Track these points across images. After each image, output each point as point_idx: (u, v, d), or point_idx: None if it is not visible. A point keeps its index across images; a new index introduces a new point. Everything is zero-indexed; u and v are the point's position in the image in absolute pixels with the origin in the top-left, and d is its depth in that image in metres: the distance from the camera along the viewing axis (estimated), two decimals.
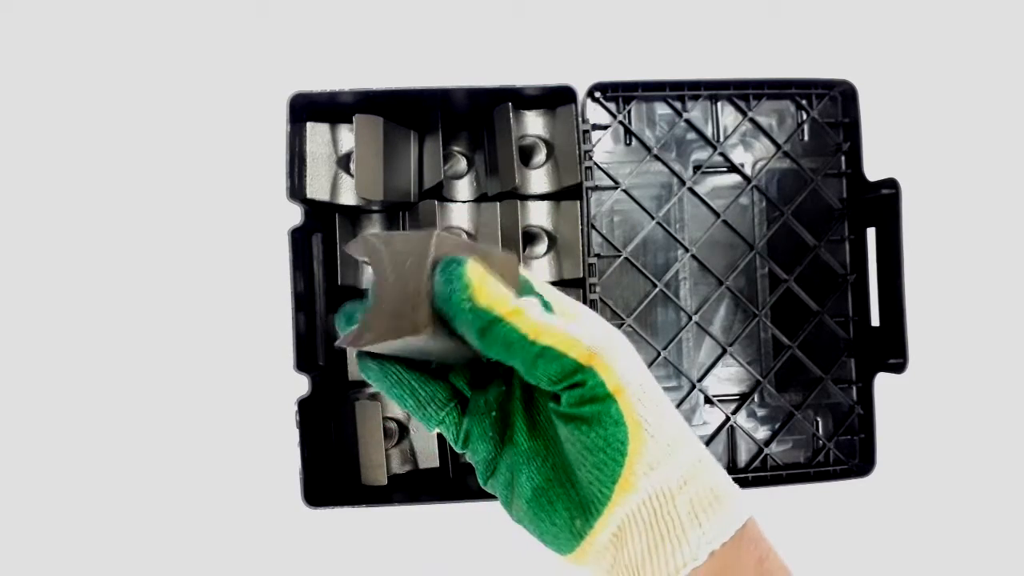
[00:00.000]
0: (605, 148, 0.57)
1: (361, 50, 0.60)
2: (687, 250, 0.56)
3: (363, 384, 0.57)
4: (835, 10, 0.62)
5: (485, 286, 0.27)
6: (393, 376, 0.31)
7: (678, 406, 0.56)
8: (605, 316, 0.55)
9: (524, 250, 0.55)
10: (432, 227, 0.54)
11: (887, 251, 0.53)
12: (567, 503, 0.30)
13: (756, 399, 0.58)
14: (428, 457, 0.56)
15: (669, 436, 0.29)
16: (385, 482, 0.53)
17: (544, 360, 0.27)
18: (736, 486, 0.30)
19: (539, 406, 0.31)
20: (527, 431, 0.31)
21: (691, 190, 0.56)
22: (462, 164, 0.58)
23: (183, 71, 0.59)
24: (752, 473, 0.56)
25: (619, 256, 0.55)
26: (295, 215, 0.51)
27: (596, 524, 0.29)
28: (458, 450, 0.32)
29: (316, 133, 0.54)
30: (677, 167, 0.57)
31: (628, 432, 0.28)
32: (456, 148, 0.58)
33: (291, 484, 0.49)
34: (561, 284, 0.55)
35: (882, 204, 0.53)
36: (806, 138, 0.58)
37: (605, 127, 0.56)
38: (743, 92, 0.56)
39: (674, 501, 0.29)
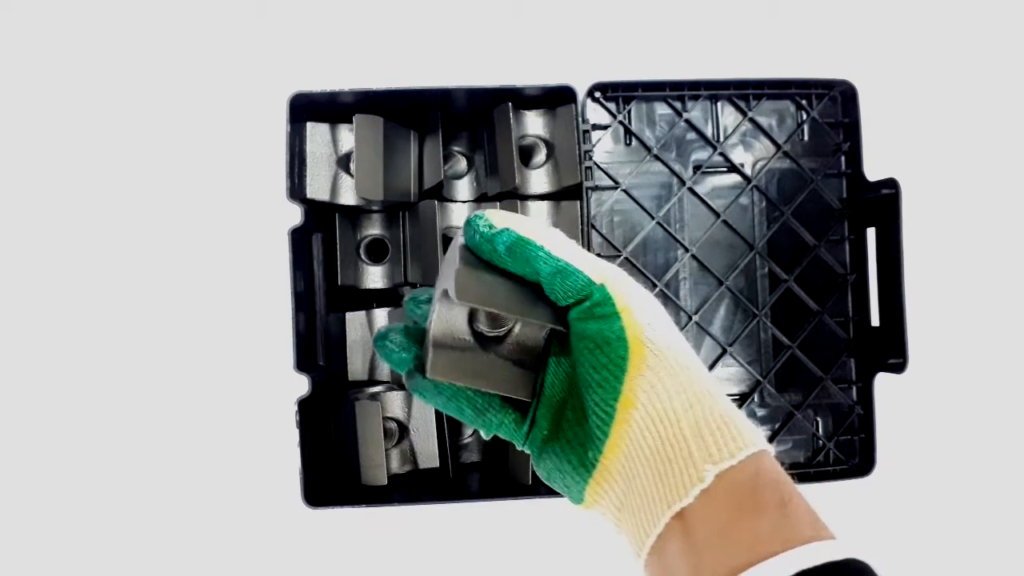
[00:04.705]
0: (605, 148, 0.57)
1: (361, 50, 0.60)
2: (687, 250, 0.56)
3: (363, 384, 0.57)
4: (835, 10, 0.62)
5: (499, 215, 0.32)
6: (448, 391, 0.33)
7: None
8: None
9: None
10: (432, 230, 0.54)
11: (887, 251, 0.53)
12: (581, 438, 0.31)
13: (756, 399, 0.58)
14: (428, 457, 0.56)
15: (675, 360, 0.30)
16: (385, 482, 0.53)
17: (562, 275, 0.30)
18: (752, 423, 0.30)
19: (565, 357, 0.33)
20: (557, 386, 0.32)
21: (691, 190, 0.56)
22: (462, 164, 0.58)
23: (183, 71, 0.59)
24: None
25: (619, 256, 0.55)
26: (295, 215, 0.51)
27: (604, 449, 0.30)
28: (520, 447, 0.34)
29: (316, 133, 0.54)
30: (677, 167, 0.57)
31: (629, 348, 0.29)
32: (456, 148, 0.58)
33: (291, 484, 0.49)
34: None
35: (882, 204, 0.53)
36: (806, 138, 0.58)
37: (605, 127, 0.56)
38: (743, 92, 0.56)
39: (679, 423, 0.29)
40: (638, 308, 0.31)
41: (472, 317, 0.33)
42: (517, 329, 0.33)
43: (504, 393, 0.33)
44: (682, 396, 0.29)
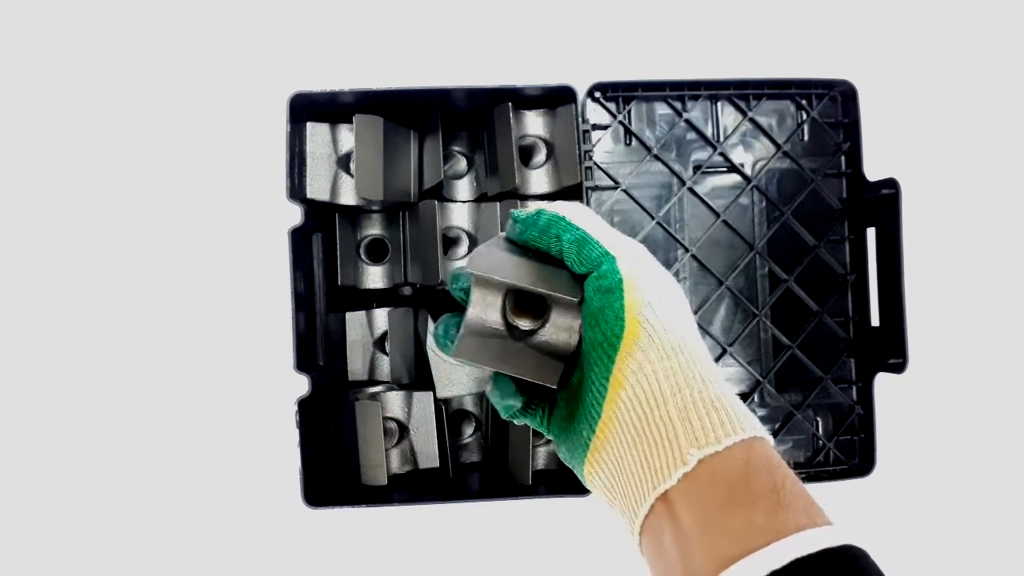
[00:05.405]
0: (605, 148, 0.57)
1: (361, 50, 0.60)
2: (687, 250, 0.56)
3: (363, 384, 0.57)
4: (835, 10, 0.62)
5: (532, 204, 0.35)
6: (512, 387, 0.35)
7: None
8: None
9: None
10: (432, 230, 0.54)
11: (887, 251, 0.53)
12: (584, 421, 0.31)
13: (756, 399, 0.58)
14: (428, 457, 0.56)
15: (669, 341, 0.30)
16: (385, 482, 0.53)
17: (579, 243, 0.32)
18: (747, 409, 0.29)
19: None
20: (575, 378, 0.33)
21: (691, 190, 0.56)
22: (462, 164, 0.58)
23: (183, 71, 0.59)
24: None
25: None
26: (295, 215, 0.51)
27: (598, 428, 0.30)
28: (549, 435, 0.35)
29: (316, 133, 0.54)
30: (677, 167, 0.57)
31: (625, 328, 0.30)
32: (456, 148, 0.58)
33: (291, 484, 0.49)
34: None
35: (882, 204, 0.53)
36: (806, 138, 0.58)
37: (605, 127, 0.56)
38: (743, 92, 0.56)
39: (666, 406, 0.29)
40: (644, 285, 0.31)
41: (506, 309, 0.34)
42: (550, 321, 0.34)
43: (524, 377, 0.34)
44: (671, 379, 0.29)
